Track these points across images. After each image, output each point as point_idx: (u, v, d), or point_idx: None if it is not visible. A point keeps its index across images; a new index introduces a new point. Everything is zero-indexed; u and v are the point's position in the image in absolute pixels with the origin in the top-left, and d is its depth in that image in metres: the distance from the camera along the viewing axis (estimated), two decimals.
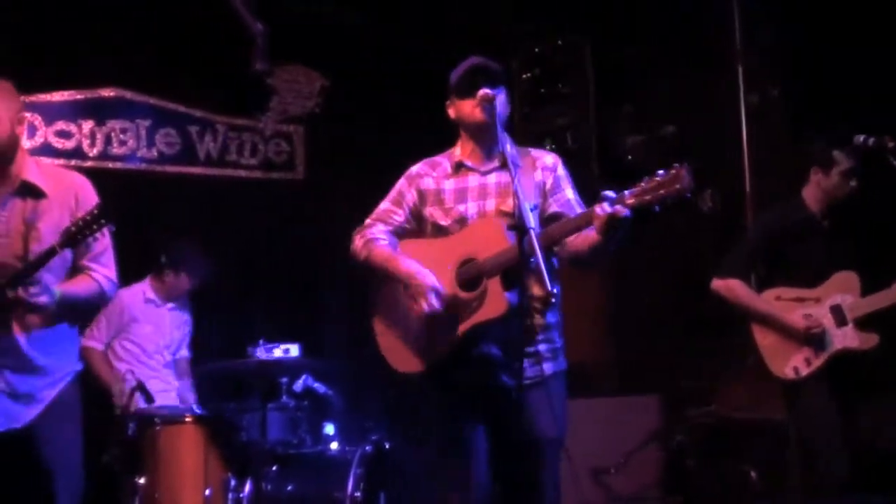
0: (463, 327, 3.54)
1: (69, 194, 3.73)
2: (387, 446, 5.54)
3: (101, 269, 3.79)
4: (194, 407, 5.95)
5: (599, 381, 6.90)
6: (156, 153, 6.88)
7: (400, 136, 6.86)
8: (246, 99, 7.13)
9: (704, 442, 6.12)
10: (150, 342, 6.05)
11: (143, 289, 6.10)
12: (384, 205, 3.88)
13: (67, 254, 3.69)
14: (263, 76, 7.08)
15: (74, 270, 3.80)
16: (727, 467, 5.88)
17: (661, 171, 3.23)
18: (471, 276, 3.56)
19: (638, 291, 6.92)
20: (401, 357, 3.73)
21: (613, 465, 6.04)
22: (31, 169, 3.74)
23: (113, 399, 5.77)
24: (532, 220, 3.31)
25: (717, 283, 4.98)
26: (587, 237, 3.44)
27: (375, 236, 3.82)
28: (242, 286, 6.91)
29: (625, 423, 6.15)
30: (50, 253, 3.54)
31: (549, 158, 3.79)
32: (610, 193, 3.29)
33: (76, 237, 3.55)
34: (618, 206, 3.24)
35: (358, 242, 3.84)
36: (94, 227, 3.54)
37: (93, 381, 5.81)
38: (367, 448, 5.41)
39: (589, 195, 6.61)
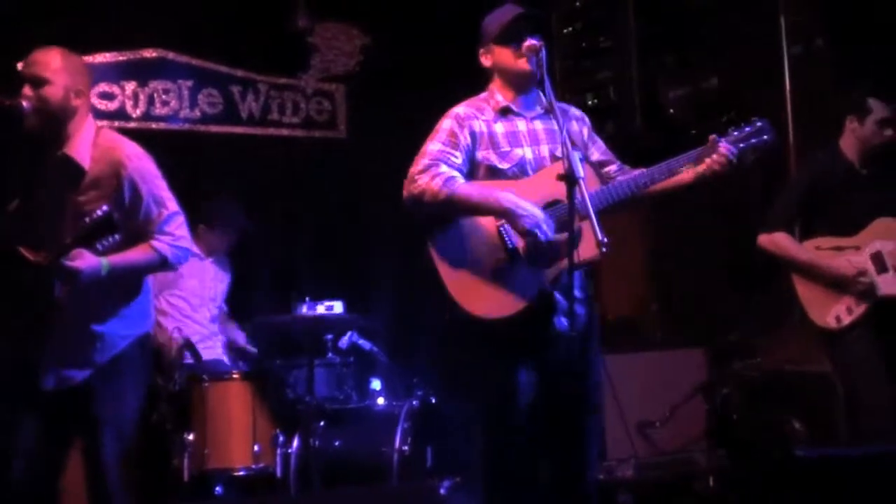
0: (558, 270, 3.49)
1: (111, 173, 3.74)
2: (433, 400, 5.58)
3: (164, 238, 3.79)
4: (240, 363, 6.02)
5: (644, 335, 6.91)
6: (198, 113, 6.88)
7: (441, 94, 6.79)
8: (287, 58, 7.13)
9: (750, 395, 6.11)
10: (195, 296, 6.10)
11: None
12: (436, 146, 3.67)
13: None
14: (304, 34, 7.08)
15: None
16: (773, 420, 5.86)
17: (745, 125, 3.71)
18: (561, 216, 3.50)
19: (682, 245, 6.90)
20: (482, 302, 3.56)
21: (659, 419, 6.05)
22: (80, 144, 3.76)
23: (162, 351, 5.82)
24: (581, 170, 3.31)
25: (763, 238, 4.95)
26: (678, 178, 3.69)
27: (452, 174, 3.60)
28: (286, 244, 6.94)
29: (670, 376, 6.15)
30: (67, 247, 3.55)
31: (576, 111, 3.90)
32: (720, 138, 3.65)
33: (86, 240, 3.54)
34: (727, 150, 3.61)
35: (434, 181, 3.57)
36: (99, 235, 3.51)
37: None
38: (414, 402, 5.45)
39: (633, 149, 6.60)
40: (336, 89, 7.29)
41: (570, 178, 3.33)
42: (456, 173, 3.61)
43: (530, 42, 3.60)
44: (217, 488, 5.39)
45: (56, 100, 3.74)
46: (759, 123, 3.69)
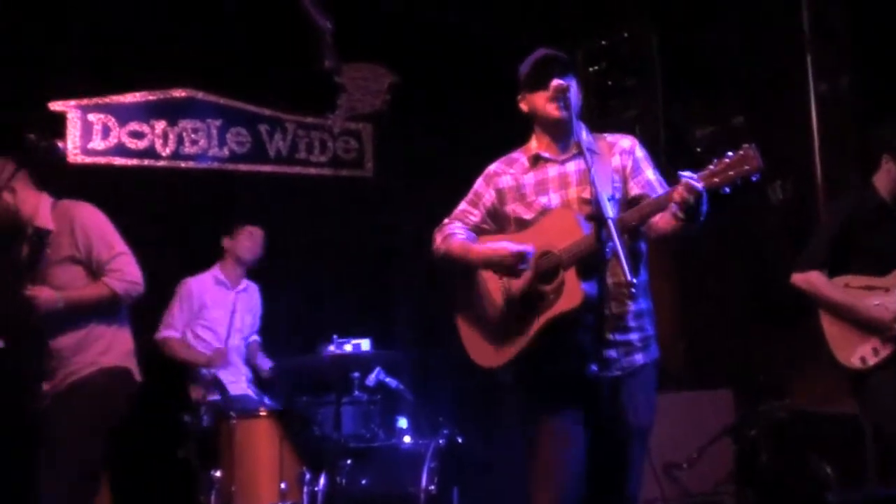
0: (540, 321, 3.51)
1: (68, 227, 4.43)
2: (459, 440, 5.56)
3: (114, 274, 4.42)
4: (267, 400, 6.03)
5: (671, 376, 6.86)
6: (227, 152, 6.97)
7: (468, 133, 6.86)
8: (315, 97, 7.19)
9: (778, 436, 6.04)
10: (221, 326, 6.13)
11: (213, 273, 6.22)
12: (461, 205, 3.88)
13: (74, 269, 4.42)
14: (332, 74, 7.14)
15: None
16: (802, 462, 5.80)
17: (729, 153, 3.22)
18: (548, 268, 3.52)
19: (709, 285, 6.87)
20: (482, 352, 3.71)
21: (686, 461, 5.99)
22: (43, 213, 4.46)
23: (200, 372, 5.89)
24: (610, 210, 3.30)
25: (797, 278, 4.88)
26: (669, 219, 3.41)
27: (453, 231, 3.80)
28: (313, 283, 6.96)
29: (697, 417, 6.08)
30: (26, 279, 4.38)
31: (625, 142, 3.76)
32: (686, 173, 3.24)
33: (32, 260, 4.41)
34: (690, 184, 3.20)
35: (437, 239, 3.83)
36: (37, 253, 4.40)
37: (177, 368, 5.96)
38: (441, 442, 5.43)
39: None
40: (363, 128, 7.35)
41: (598, 219, 3.32)
42: (459, 231, 3.81)
43: (556, 83, 3.61)
44: None
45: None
46: (742, 151, 3.22)
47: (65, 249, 4.40)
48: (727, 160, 3.21)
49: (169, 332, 6.03)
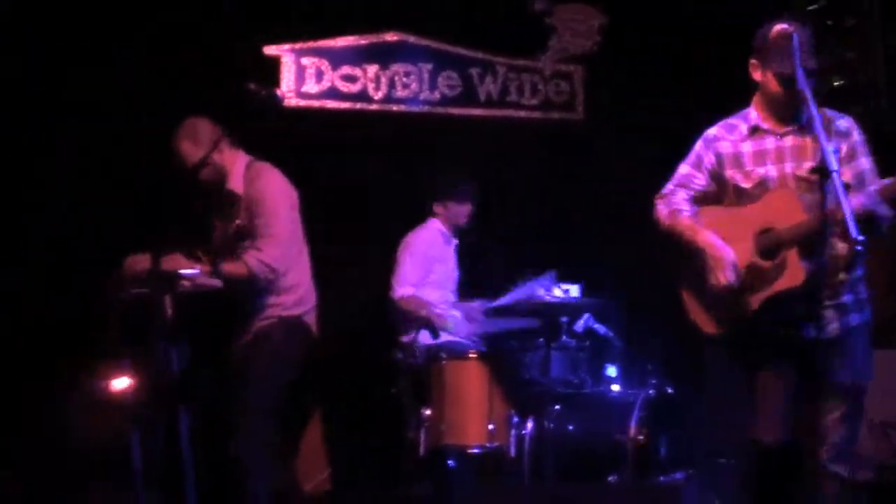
0: (761, 296, 3.66)
1: (247, 193, 4.52)
2: (669, 391, 5.53)
3: (253, 252, 4.43)
4: (477, 343, 6.10)
5: (888, 334, 6.59)
6: (438, 96, 7.03)
7: (681, 77, 6.72)
8: (525, 38, 7.15)
9: None
10: (448, 280, 6.26)
11: (437, 226, 6.27)
12: (684, 169, 3.98)
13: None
14: (543, 15, 7.10)
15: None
16: None
17: None
18: (770, 245, 3.65)
19: None
20: (705, 320, 3.89)
21: None
22: (235, 177, 4.56)
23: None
24: (835, 163, 3.24)
25: None
26: None
27: (679, 206, 3.95)
28: (523, 226, 6.98)
29: None
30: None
31: (843, 122, 3.76)
32: None
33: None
34: None
35: (662, 210, 3.98)
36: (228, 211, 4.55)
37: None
38: (650, 391, 5.41)
39: (878, 131, 6.33)
40: (574, 70, 7.25)
41: (823, 171, 3.27)
42: (685, 206, 3.94)
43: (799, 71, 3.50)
44: (450, 462, 5.50)
45: (192, 162, 4.43)
46: None
47: (241, 214, 4.54)
48: None
49: (405, 288, 6.04)
